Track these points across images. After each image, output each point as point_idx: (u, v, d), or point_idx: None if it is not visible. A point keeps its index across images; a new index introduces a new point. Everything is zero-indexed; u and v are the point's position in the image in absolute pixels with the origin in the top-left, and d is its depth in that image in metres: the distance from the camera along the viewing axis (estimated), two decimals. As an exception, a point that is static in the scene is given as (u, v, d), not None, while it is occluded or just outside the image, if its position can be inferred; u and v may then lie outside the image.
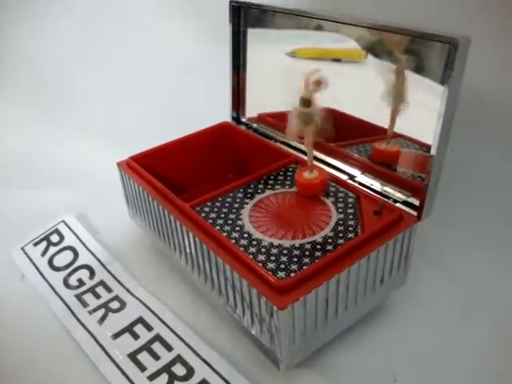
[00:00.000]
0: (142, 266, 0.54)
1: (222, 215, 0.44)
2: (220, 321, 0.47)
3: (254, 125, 0.62)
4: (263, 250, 0.40)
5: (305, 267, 0.37)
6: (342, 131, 0.54)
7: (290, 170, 0.51)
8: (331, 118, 0.45)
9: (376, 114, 0.48)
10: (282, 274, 0.37)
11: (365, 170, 0.50)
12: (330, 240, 0.40)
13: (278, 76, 0.58)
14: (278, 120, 0.59)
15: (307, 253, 0.39)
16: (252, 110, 0.62)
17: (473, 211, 0.57)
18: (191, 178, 0.58)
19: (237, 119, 0.63)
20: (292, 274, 0.37)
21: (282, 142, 0.57)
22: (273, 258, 0.39)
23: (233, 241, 0.41)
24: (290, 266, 0.38)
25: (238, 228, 0.42)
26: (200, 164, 0.59)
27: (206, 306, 0.48)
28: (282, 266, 0.38)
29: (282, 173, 0.50)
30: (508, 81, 0.54)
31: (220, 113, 0.62)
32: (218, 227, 0.42)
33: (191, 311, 0.48)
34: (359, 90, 0.49)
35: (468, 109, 0.50)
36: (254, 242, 0.40)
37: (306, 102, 0.43)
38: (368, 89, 0.48)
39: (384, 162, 0.49)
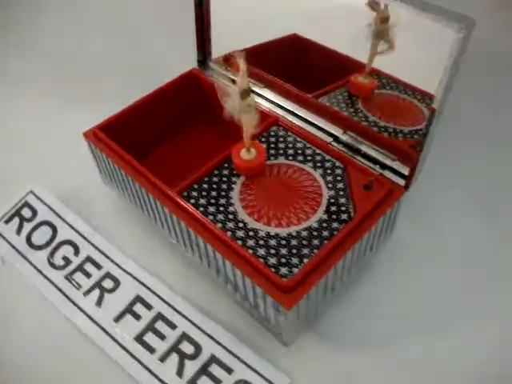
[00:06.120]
0: (125, 237, 0.53)
1: (212, 200, 0.43)
2: (218, 293, 0.47)
3: (223, 71, 0.57)
4: (261, 242, 0.40)
5: (305, 260, 0.38)
6: (316, 67, 0.52)
7: (272, 134, 0.49)
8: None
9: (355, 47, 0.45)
10: (284, 270, 0.38)
11: (347, 126, 0.48)
12: (324, 224, 0.41)
13: (240, 11, 0.53)
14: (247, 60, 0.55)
15: (305, 242, 0.40)
16: (218, 51, 0.57)
17: (458, 166, 0.58)
18: (163, 134, 0.56)
19: (203, 62, 0.58)
20: (294, 269, 0.38)
21: (258, 95, 0.54)
22: (272, 251, 0.39)
23: (229, 233, 0.40)
24: (291, 259, 0.38)
25: (231, 216, 0.42)
26: (171, 119, 0.55)
27: (200, 276, 0.49)
28: (283, 261, 0.38)
29: (263, 139, 0.48)
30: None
31: (185, 61, 0.56)
32: (211, 217, 0.42)
33: (185, 283, 0.49)
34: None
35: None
36: (251, 233, 0.40)
37: (246, 93, 0.40)
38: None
39: (359, 95, 0.50)
